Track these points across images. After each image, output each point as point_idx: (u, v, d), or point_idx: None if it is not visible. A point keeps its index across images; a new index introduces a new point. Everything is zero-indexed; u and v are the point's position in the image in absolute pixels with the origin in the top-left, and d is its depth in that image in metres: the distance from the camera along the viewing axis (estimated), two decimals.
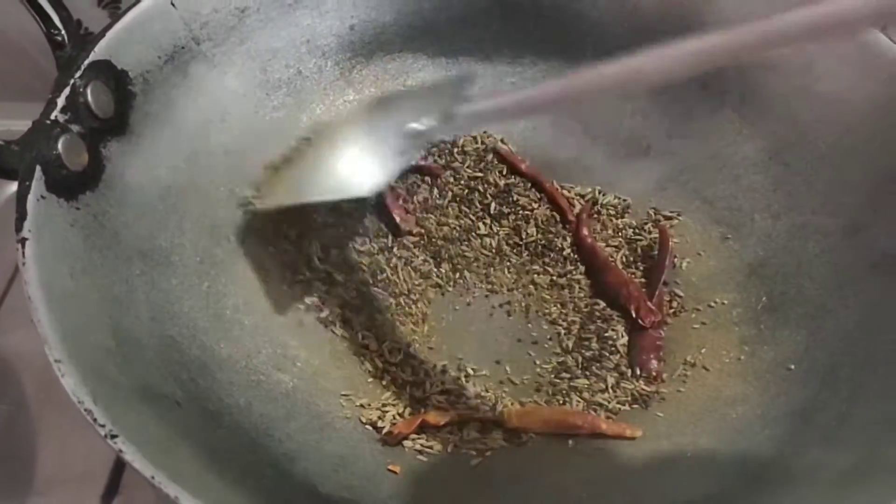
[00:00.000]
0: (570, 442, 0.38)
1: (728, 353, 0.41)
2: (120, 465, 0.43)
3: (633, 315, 0.43)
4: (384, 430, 0.38)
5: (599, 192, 0.50)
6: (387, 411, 0.39)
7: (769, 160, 0.45)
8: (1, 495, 0.41)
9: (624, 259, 0.47)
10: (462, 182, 0.50)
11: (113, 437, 0.26)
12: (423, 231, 0.47)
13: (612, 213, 0.49)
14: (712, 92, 0.47)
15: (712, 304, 0.43)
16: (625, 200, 0.49)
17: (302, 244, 0.45)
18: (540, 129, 0.51)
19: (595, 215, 0.49)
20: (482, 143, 0.51)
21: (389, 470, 0.36)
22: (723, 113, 0.47)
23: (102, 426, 0.26)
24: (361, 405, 0.39)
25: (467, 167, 0.50)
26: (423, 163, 0.49)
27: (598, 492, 0.35)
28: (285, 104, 0.47)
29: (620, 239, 0.48)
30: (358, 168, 0.40)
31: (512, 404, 0.40)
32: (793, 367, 0.38)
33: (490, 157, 0.51)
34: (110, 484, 0.42)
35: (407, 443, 0.38)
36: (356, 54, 0.50)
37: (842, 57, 0.42)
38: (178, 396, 0.32)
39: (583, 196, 0.50)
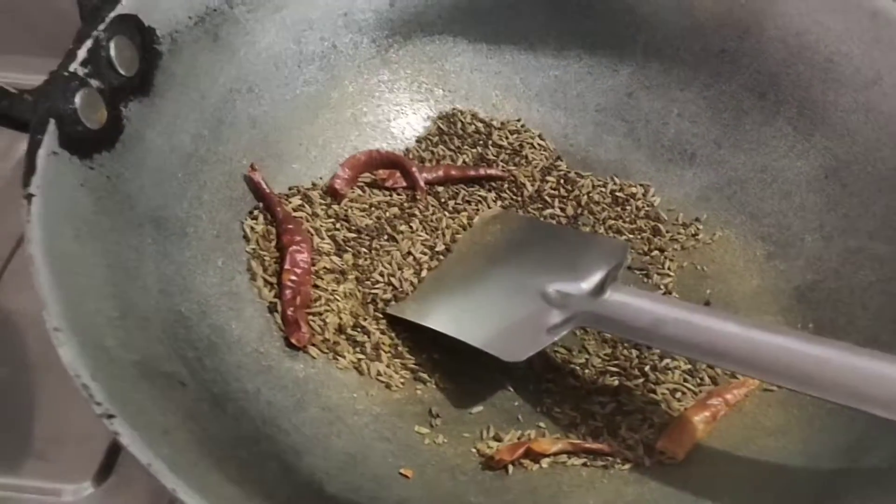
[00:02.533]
0: (600, 465, 0.36)
1: None
2: (116, 445, 0.40)
3: None
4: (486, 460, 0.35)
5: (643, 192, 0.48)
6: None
7: (824, 178, 0.43)
8: None
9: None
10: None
11: (109, 416, 0.23)
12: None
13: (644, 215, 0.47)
14: (768, 101, 0.45)
15: None
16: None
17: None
18: (581, 127, 0.49)
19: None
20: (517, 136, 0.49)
21: (401, 474, 0.34)
22: (777, 124, 0.45)
23: (99, 404, 0.24)
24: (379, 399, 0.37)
25: (501, 160, 0.48)
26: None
27: None
28: (317, 79, 0.45)
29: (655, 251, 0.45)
30: (503, 325, 0.37)
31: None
32: None
33: (525, 152, 0.48)
34: (106, 462, 0.40)
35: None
36: (394, 32, 0.48)
37: None
38: (183, 376, 0.30)
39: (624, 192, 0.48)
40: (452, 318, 0.38)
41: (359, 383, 0.38)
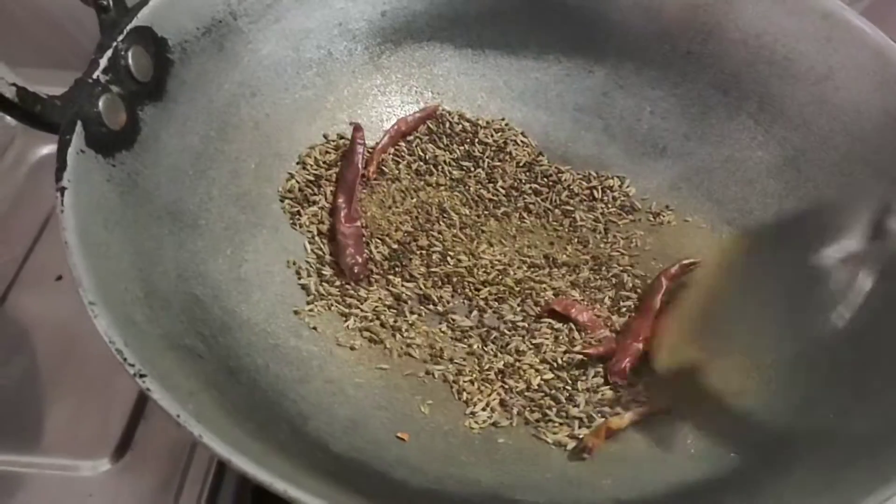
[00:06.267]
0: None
1: None
2: (133, 423, 0.44)
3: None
4: (577, 447, 0.38)
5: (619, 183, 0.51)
6: None
7: (783, 166, 0.46)
8: (13, 450, 0.42)
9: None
10: (483, 172, 0.51)
11: (142, 376, 0.27)
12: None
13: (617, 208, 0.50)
14: (731, 97, 0.48)
15: None
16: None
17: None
18: (560, 124, 0.53)
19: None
20: (501, 134, 0.53)
21: (398, 437, 0.37)
22: (740, 118, 0.48)
23: (132, 366, 0.27)
24: (381, 368, 0.41)
25: (487, 156, 0.51)
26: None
27: (598, 469, 0.36)
28: (314, 84, 0.49)
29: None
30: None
31: None
32: (795, 365, 0.39)
33: (508, 148, 0.52)
34: (122, 441, 0.43)
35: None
36: (386, 40, 0.51)
37: (859, 68, 0.43)
38: (200, 350, 0.34)
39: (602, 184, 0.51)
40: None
41: (358, 359, 0.41)
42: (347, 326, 0.42)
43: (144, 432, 0.43)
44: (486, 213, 0.49)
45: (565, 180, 0.51)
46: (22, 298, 0.49)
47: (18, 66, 0.62)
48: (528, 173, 0.51)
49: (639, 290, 0.46)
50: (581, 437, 0.38)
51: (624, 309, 0.45)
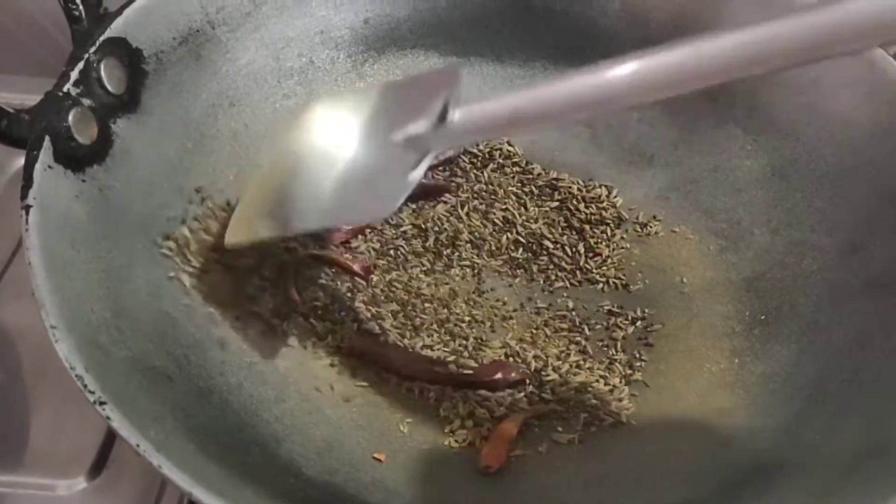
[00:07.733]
0: (556, 443, 0.39)
1: (719, 364, 0.41)
2: (109, 441, 0.43)
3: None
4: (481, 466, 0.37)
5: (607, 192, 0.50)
6: None
7: (771, 175, 0.45)
8: None
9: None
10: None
11: (102, 403, 0.26)
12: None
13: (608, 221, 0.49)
14: (720, 105, 0.48)
15: (707, 314, 0.44)
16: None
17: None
18: (547, 133, 0.52)
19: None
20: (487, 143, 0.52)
21: (374, 458, 0.36)
22: (728, 127, 0.48)
23: (92, 393, 0.26)
24: (360, 385, 0.40)
25: (473, 164, 0.51)
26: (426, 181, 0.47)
27: (581, 494, 0.35)
28: (296, 93, 0.48)
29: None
30: (359, 193, 0.34)
31: None
32: (781, 381, 0.38)
33: (495, 157, 0.51)
34: (98, 459, 0.42)
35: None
36: (369, 48, 0.50)
37: (848, 77, 0.42)
38: (170, 371, 0.33)
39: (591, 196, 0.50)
40: (301, 213, 0.35)
41: (336, 377, 0.40)
42: (327, 342, 0.41)
43: (120, 450, 0.43)
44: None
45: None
46: (0, 311, 0.49)
47: (4, 73, 0.62)
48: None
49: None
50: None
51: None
